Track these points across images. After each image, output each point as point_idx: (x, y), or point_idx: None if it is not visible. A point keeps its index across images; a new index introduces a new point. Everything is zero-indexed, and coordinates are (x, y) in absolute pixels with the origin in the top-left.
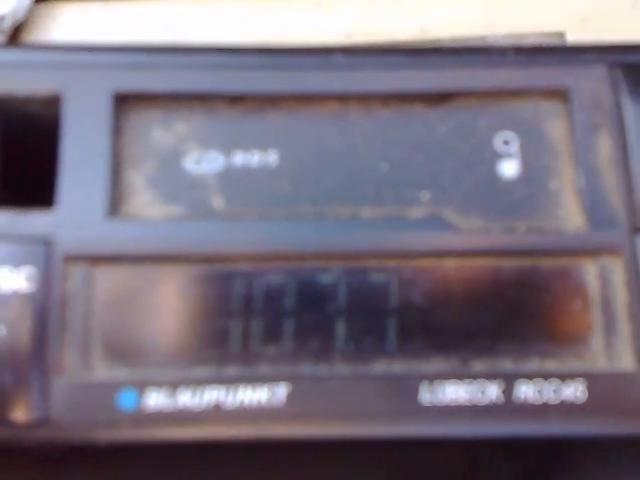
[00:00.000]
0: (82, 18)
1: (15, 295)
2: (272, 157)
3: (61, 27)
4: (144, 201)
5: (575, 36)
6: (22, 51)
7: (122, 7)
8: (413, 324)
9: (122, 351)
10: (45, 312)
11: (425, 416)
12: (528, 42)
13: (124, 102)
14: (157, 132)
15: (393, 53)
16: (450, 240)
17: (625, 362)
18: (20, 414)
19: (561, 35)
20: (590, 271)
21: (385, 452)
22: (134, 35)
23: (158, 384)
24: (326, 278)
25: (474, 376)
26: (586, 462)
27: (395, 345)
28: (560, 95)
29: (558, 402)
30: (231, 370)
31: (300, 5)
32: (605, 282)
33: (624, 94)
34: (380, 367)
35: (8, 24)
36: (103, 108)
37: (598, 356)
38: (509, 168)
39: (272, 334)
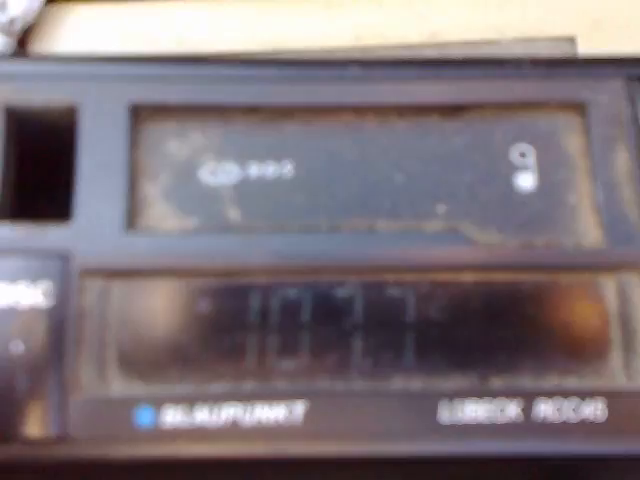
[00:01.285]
0: (91, 20)
1: (32, 310)
2: (287, 168)
3: (70, 29)
4: (160, 214)
5: (586, 41)
6: (38, 62)
7: (130, 10)
8: (431, 339)
9: (138, 367)
10: (62, 327)
11: (444, 435)
12: (538, 46)
13: (140, 114)
14: (173, 144)
15: (408, 65)
16: (467, 254)
17: None
18: (37, 430)
19: (572, 40)
20: (609, 287)
21: (404, 470)
22: (141, 37)
23: (175, 401)
24: (342, 292)
25: (493, 394)
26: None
27: (413, 361)
28: (577, 108)
29: (578, 421)
30: (248, 386)
31: (310, 8)
32: (624, 298)
33: None
34: (398, 384)
35: (18, 26)
36: (119, 120)
37: (617, 373)
38: (526, 181)
39: (288, 349)
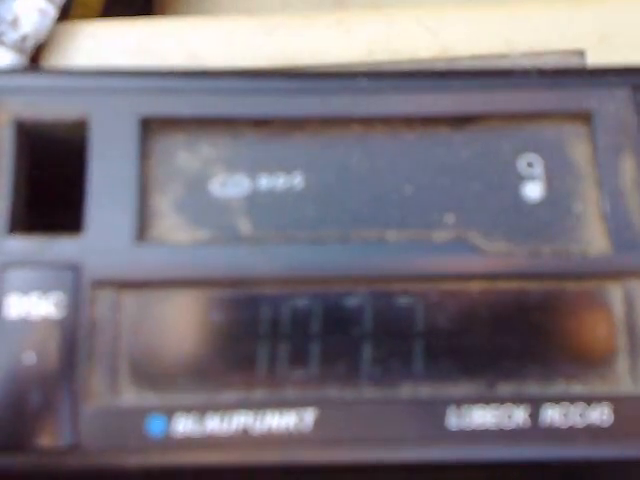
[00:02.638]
0: (103, 38)
1: (44, 321)
2: (297, 180)
3: (82, 47)
4: (171, 225)
5: (595, 54)
6: (50, 76)
7: (142, 27)
8: (439, 347)
9: (150, 376)
10: (73, 338)
11: (453, 441)
12: (548, 60)
13: (150, 126)
14: (183, 156)
15: (417, 76)
16: (475, 263)
17: None
18: (49, 440)
19: (581, 53)
20: (615, 294)
21: (413, 476)
22: (153, 54)
23: (186, 410)
24: (352, 301)
25: (501, 400)
26: None
27: (422, 369)
28: (584, 118)
29: (584, 426)
30: (258, 395)
31: (322, 23)
32: (630, 305)
33: None
34: (407, 391)
35: (30, 44)
36: (129, 132)
37: (623, 379)
38: (533, 191)
39: (299, 358)
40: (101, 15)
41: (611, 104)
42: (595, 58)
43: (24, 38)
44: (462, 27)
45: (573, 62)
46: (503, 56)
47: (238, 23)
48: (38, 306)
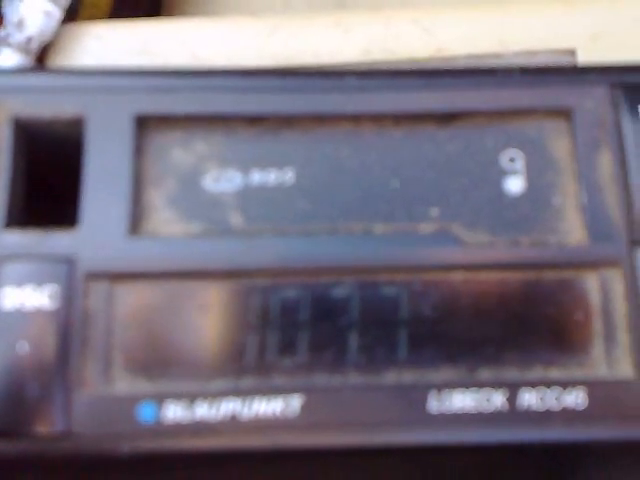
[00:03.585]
0: (107, 39)
1: (38, 312)
2: (288, 175)
3: (87, 48)
4: (164, 219)
5: (586, 53)
6: (48, 75)
7: (145, 28)
8: (423, 335)
9: (142, 365)
10: (67, 328)
11: (433, 424)
12: (540, 59)
13: (145, 124)
14: (177, 152)
15: (404, 75)
16: (458, 254)
17: (624, 370)
18: (43, 427)
19: (572, 52)
20: (591, 283)
21: (398, 460)
22: (157, 55)
23: (177, 397)
24: (339, 292)
25: (480, 385)
26: (599, 468)
27: (405, 356)
28: (564, 114)
29: (560, 409)
30: (247, 382)
31: (321, 24)
32: (605, 293)
33: (624, 113)
34: (391, 377)
35: (35, 45)
36: (125, 130)
37: (599, 364)
38: (515, 185)
39: (287, 346)
40: (109, 16)
41: (590, 101)
42: (586, 57)
43: (29, 39)
44: (457, 27)
45: (565, 61)
46: (497, 55)
47: (239, 24)
48: (33, 297)
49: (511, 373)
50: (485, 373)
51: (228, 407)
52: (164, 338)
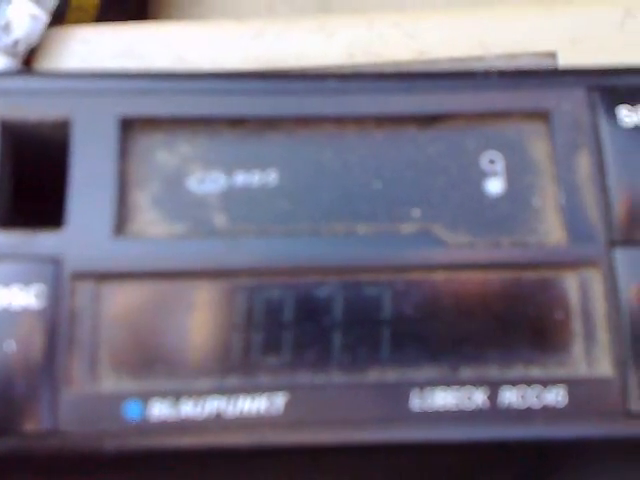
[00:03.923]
0: (93, 42)
1: (25, 312)
2: (272, 177)
3: (73, 51)
4: (149, 220)
5: (566, 56)
6: (33, 78)
7: (131, 31)
8: (405, 334)
9: (128, 364)
10: (54, 327)
11: (415, 422)
12: (521, 62)
13: (130, 126)
14: (161, 154)
15: (386, 78)
16: (439, 254)
17: (603, 368)
18: (30, 425)
19: (553, 55)
20: (571, 283)
21: (381, 457)
22: (143, 58)
23: (162, 395)
24: (323, 292)
25: (461, 383)
26: (581, 465)
27: (388, 354)
28: (542, 117)
29: (541, 407)
30: (232, 381)
31: (305, 28)
32: (585, 293)
33: (601, 115)
34: (374, 375)
35: (22, 48)
36: (110, 132)
37: (578, 363)
38: (495, 186)
39: (272, 346)
40: (96, 20)
41: (568, 104)
42: (567, 60)
43: (16, 42)
44: (439, 31)
45: (546, 64)
46: (479, 58)
47: (224, 28)
48: (19, 297)
49: (492, 371)
50: (466, 371)
51: (213, 405)
52: (150, 337)
